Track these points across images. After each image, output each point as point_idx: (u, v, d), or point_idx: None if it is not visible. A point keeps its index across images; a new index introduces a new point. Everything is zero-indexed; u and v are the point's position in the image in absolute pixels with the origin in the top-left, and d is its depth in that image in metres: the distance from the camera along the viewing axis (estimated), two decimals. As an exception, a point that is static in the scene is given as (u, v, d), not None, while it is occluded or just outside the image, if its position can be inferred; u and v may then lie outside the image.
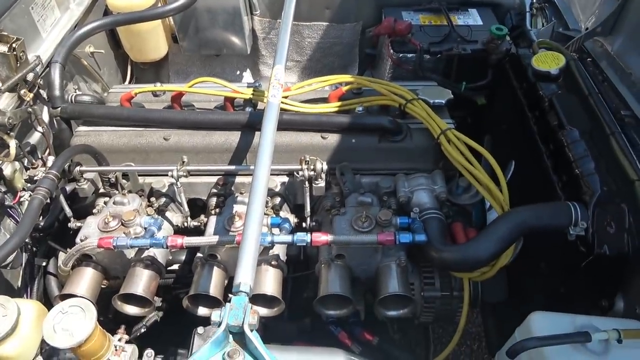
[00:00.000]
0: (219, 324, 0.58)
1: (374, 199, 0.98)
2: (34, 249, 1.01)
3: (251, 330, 0.59)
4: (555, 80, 1.07)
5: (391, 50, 1.31)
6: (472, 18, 1.41)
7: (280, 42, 0.98)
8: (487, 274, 0.89)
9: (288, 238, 0.86)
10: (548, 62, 1.09)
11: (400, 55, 1.30)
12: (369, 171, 1.03)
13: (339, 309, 0.92)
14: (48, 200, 0.89)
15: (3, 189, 0.93)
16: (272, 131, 0.82)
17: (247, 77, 1.65)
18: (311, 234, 0.85)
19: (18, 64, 0.96)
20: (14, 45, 0.94)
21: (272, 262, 0.92)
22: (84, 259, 0.93)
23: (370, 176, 1.02)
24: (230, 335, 0.60)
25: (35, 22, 1.09)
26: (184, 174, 0.93)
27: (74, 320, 0.63)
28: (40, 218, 0.99)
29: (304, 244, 0.84)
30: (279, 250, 0.94)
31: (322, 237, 0.84)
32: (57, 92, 1.06)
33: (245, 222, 0.70)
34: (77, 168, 0.97)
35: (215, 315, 0.59)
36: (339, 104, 1.08)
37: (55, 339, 0.61)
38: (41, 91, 1.07)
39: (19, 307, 0.67)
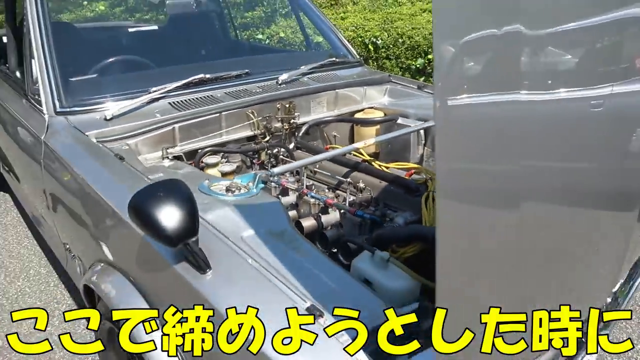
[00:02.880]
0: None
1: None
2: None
3: (263, 182, 1.53)
4: None
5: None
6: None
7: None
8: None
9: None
10: None
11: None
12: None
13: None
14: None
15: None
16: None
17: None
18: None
19: (288, 114, 2.25)
20: (291, 106, 2.24)
21: (315, 216, 1.77)
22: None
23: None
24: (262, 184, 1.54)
25: (311, 107, 2.40)
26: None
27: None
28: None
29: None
30: (328, 218, 1.78)
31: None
32: (300, 135, 2.28)
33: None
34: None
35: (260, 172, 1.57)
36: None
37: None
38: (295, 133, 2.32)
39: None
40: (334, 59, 2.71)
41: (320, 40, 3.16)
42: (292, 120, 2.26)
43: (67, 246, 1.90)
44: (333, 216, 1.75)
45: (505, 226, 0.88)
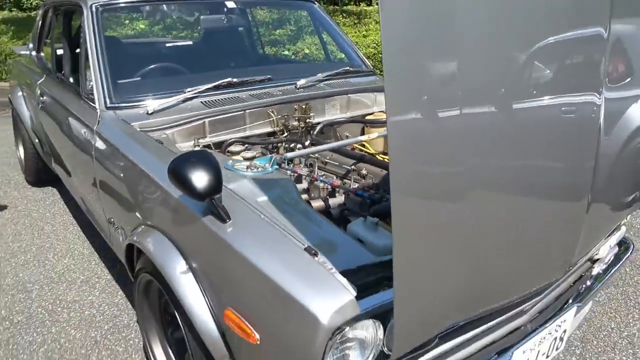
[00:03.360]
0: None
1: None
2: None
3: (278, 163, 1.81)
4: None
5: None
6: None
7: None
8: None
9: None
10: None
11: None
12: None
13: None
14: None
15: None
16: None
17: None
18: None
19: (304, 114, 2.54)
20: (307, 107, 2.54)
21: (323, 199, 2.04)
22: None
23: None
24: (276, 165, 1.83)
25: (325, 109, 2.68)
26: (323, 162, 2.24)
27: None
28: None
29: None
30: (334, 201, 2.05)
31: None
32: (315, 133, 2.57)
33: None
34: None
35: (275, 156, 1.85)
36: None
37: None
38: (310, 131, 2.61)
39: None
40: (348, 68, 3.00)
41: (341, 55, 3.48)
42: (307, 120, 2.55)
43: (112, 220, 2.22)
44: (339, 199, 2.02)
45: (457, 221, 1.01)
